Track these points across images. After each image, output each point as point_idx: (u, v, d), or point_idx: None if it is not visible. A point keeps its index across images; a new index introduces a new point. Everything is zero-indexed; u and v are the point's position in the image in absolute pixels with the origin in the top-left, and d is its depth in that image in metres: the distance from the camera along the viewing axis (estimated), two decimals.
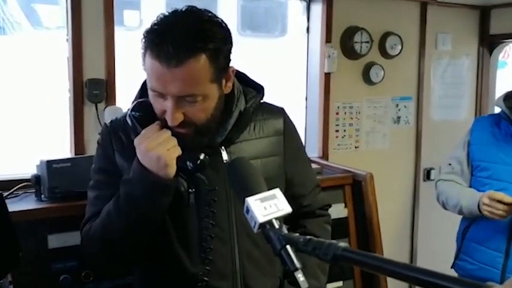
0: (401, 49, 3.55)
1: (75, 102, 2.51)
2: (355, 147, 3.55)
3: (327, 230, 1.88)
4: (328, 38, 3.31)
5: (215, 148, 1.58)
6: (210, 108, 1.48)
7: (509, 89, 2.56)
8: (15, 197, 2.26)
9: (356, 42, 3.36)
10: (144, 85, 1.57)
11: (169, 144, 1.44)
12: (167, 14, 1.43)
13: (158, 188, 1.45)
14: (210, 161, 1.55)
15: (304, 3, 3.40)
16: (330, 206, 1.95)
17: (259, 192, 1.13)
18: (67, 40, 2.50)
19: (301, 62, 3.49)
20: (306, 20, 3.42)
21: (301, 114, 3.51)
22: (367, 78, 3.50)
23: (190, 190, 1.55)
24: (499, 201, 2.28)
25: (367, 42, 3.39)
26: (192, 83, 1.39)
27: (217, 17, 1.48)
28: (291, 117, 1.82)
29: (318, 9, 3.34)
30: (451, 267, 2.66)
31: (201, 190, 1.56)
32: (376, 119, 3.61)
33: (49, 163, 2.16)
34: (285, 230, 1.10)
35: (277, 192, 1.15)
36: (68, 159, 2.22)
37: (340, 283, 2.76)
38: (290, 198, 1.73)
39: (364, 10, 3.43)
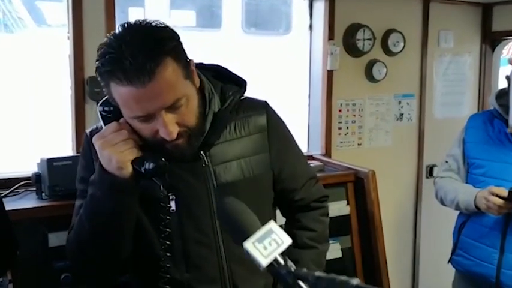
0: (404, 46, 3.54)
1: (76, 100, 2.51)
2: (358, 144, 3.54)
3: (323, 223, 1.84)
4: (330, 36, 3.31)
5: (194, 154, 1.54)
6: (195, 107, 1.46)
7: (501, 87, 2.58)
8: (15, 195, 2.26)
9: (358, 40, 3.35)
10: None
11: (124, 146, 1.40)
12: (111, 39, 1.36)
13: (115, 187, 1.42)
14: (190, 166, 1.54)
15: (307, 1, 3.39)
16: (327, 197, 1.88)
17: (254, 232, 1.09)
18: (68, 38, 2.50)
19: (305, 59, 3.48)
20: (309, 17, 3.42)
21: (304, 112, 3.51)
22: (369, 76, 3.49)
23: (170, 197, 1.52)
24: (497, 195, 2.28)
25: (369, 39, 3.39)
26: (171, 89, 1.36)
27: (156, 21, 1.43)
28: (278, 111, 1.76)
29: (320, 7, 3.33)
30: (448, 262, 2.68)
31: (183, 197, 1.54)
32: (378, 116, 3.60)
33: (50, 161, 2.16)
34: (291, 265, 1.07)
35: (272, 225, 1.10)
36: (69, 157, 2.22)
37: None
38: (281, 193, 1.73)
39: (367, 7, 3.43)
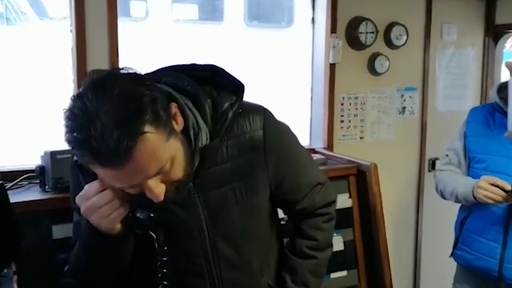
0: (407, 39, 3.54)
1: None
2: (360, 137, 3.55)
3: (324, 230, 1.76)
4: (333, 29, 3.30)
5: None
6: (181, 162, 1.33)
7: (502, 80, 2.57)
8: (19, 187, 2.27)
9: (361, 33, 3.35)
10: None
11: (111, 209, 1.31)
12: (76, 108, 1.19)
13: (105, 243, 1.38)
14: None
15: None
16: (333, 201, 1.79)
17: None
18: (70, 31, 2.51)
19: (307, 52, 3.48)
20: (311, 10, 3.41)
21: (306, 105, 3.51)
22: (372, 69, 3.49)
23: (154, 235, 1.43)
24: (500, 188, 2.28)
25: (372, 32, 3.38)
26: (153, 161, 1.23)
27: (129, 73, 1.27)
28: (279, 109, 1.65)
29: (323, 0, 3.32)
30: (450, 256, 2.69)
31: (173, 231, 1.48)
32: (381, 109, 3.61)
33: (53, 154, 2.17)
34: None
35: None
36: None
37: (344, 272, 2.77)
38: (282, 202, 1.68)
39: (369, 0, 3.42)
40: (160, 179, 1.28)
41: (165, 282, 1.48)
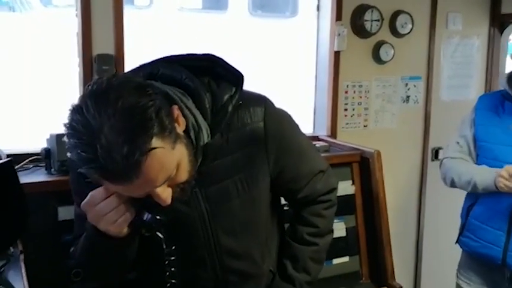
0: (412, 28, 3.53)
1: (84, 77, 2.52)
2: (364, 126, 3.55)
3: (325, 217, 1.77)
4: (338, 16, 3.29)
5: None
6: (186, 165, 1.32)
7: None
8: (25, 170, 2.28)
9: (366, 21, 3.34)
10: None
11: (117, 215, 1.31)
12: (78, 122, 1.15)
13: (112, 246, 1.39)
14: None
15: None
16: (334, 188, 1.79)
17: None
18: (76, 15, 2.52)
19: (312, 41, 3.48)
20: None
21: (311, 93, 3.51)
22: (376, 57, 3.49)
23: (162, 236, 1.43)
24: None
25: (377, 20, 3.37)
26: (161, 172, 1.23)
27: (129, 81, 1.24)
28: (281, 98, 1.65)
29: None
30: (456, 243, 2.69)
31: (176, 227, 1.47)
32: (385, 98, 3.60)
33: (59, 137, 2.17)
34: None
35: None
36: None
37: (346, 258, 2.78)
38: (283, 191, 1.70)
39: None
40: (167, 184, 1.29)
41: (173, 281, 1.50)
